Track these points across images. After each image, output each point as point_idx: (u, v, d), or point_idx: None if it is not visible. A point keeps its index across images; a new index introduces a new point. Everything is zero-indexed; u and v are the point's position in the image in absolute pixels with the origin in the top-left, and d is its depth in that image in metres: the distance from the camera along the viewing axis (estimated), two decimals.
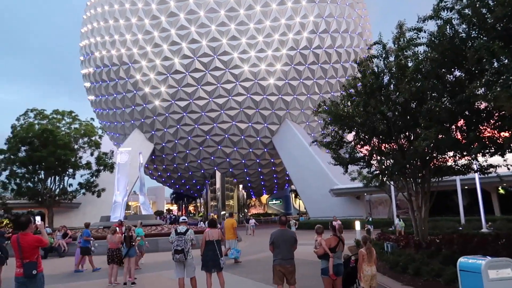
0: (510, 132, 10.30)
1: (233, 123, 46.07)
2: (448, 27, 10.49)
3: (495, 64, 9.43)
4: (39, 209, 41.06)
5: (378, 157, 14.62)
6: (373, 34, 53.53)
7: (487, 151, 11.60)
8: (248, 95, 44.71)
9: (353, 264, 8.36)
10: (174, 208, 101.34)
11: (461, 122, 12.07)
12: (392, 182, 17.85)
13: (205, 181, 55.05)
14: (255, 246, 22.26)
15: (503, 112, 10.09)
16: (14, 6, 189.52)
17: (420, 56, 11.97)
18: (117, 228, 13.34)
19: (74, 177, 39.08)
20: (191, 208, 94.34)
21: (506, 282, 5.68)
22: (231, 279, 11.08)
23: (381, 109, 12.64)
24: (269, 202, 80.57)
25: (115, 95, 47.90)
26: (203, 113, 45.46)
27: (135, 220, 28.64)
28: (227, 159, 49.79)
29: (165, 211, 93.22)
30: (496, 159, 12.52)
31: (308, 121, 48.03)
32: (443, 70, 11.31)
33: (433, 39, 10.89)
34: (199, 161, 50.38)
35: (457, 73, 11.51)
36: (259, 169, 52.34)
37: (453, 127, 12.05)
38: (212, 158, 49.72)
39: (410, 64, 12.40)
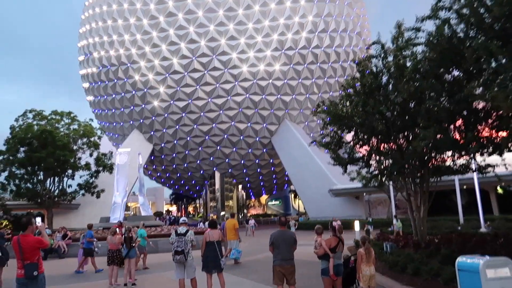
0: (508, 132, 10.34)
1: (232, 123, 46.09)
2: (446, 27, 10.54)
3: (493, 64, 9.48)
4: (39, 210, 41.07)
5: (377, 157, 14.65)
6: (371, 34, 53.62)
7: (485, 150, 11.64)
8: (247, 95, 44.74)
9: (352, 264, 8.39)
10: (174, 209, 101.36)
11: (459, 122, 12.11)
12: (391, 182, 17.89)
13: (205, 181, 55.06)
14: (255, 246, 22.29)
15: (501, 112, 10.13)
16: (13, 6, 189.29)
17: (419, 56, 12.02)
18: (117, 229, 13.38)
19: (73, 178, 39.11)
20: (190, 209, 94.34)
21: (504, 281, 5.71)
22: (231, 280, 11.10)
23: (380, 109, 12.67)
24: (269, 203, 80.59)
25: (113, 96, 47.89)
26: (202, 114, 45.47)
27: (135, 221, 28.70)
28: (227, 160, 49.81)
29: (164, 212, 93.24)
30: (494, 159, 12.56)
31: (307, 121, 48.08)
32: (442, 70, 11.35)
33: (431, 39, 10.94)
34: (198, 161, 50.38)
35: (456, 72, 11.55)
36: (259, 170, 52.37)
37: (452, 127, 12.09)
38: (212, 158, 49.73)
39: (408, 64, 12.45)
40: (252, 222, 35.79)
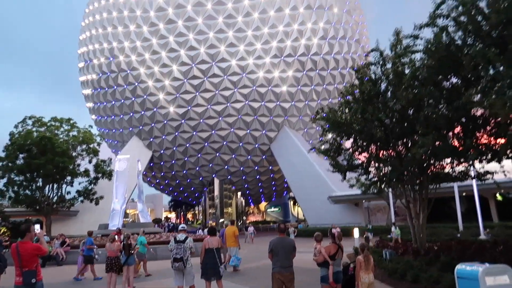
0: (506, 139, 10.37)
1: (232, 130, 46.14)
2: (444, 34, 10.62)
3: (491, 71, 9.54)
4: (37, 217, 40.91)
5: (376, 164, 14.67)
6: (370, 41, 53.92)
7: (484, 158, 11.66)
8: (247, 102, 44.84)
9: (351, 271, 8.37)
10: (172, 215, 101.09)
11: (458, 129, 12.15)
12: (390, 189, 17.89)
13: (204, 188, 54.97)
14: (254, 253, 22.21)
15: (499, 119, 10.18)
16: (13, 13, 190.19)
17: (417, 63, 12.09)
18: (116, 236, 13.34)
19: (72, 184, 39.00)
20: (189, 215, 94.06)
21: None
22: (230, 287, 11.05)
23: (378, 116, 12.72)
24: (268, 210, 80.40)
25: (113, 102, 47.97)
26: (201, 120, 45.54)
27: (133, 228, 28.62)
28: (226, 166, 49.78)
29: (163, 219, 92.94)
30: (493, 166, 12.59)
31: (307, 128, 48.16)
32: (440, 77, 11.42)
33: (429, 46, 11.01)
34: (197, 168, 50.34)
35: (454, 80, 11.61)
36: (258, 176, 52.32)
37: (450, 134, 12.13)
38: (211, 165, 49.71)
39: (407, 71, 12.52)
40: (251, 229, 35.68)
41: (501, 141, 11.08)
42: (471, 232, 23.10)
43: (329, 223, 32.55)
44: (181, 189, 57.79)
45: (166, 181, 55.60)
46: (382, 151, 14.40)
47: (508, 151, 10.87)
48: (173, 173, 52.21)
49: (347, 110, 14.60)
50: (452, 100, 10.83)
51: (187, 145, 47.51)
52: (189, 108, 44.95)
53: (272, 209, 79.76)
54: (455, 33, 10.56)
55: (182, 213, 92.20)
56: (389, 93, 13.61)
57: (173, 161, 49.89)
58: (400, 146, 13.99)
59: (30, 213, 39.22)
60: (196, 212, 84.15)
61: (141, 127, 47.57)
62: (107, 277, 11.62)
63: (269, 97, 45.15)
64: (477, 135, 11.73)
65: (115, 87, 46.85)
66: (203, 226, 49.51)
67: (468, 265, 6.23)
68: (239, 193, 56.86)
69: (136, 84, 45.39)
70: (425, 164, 13.25)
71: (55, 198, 37.93)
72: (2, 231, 38.35)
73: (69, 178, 37.91)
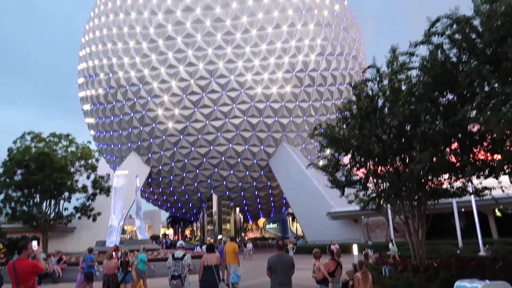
0: (502, 155, 10.45)
1: (230, 145, 46.19)
2: (439, 51, 10.80)
3: (486, 87, 9.68)
4: (34, 233, 40.49)
5: (374, 180, 14.69)
6: (367, 57, 54.59)
7: (481, 173, 11.71)
8: (245, 117, 45.02)
9: None
10: (170, 232, 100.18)
11: (455, 145, 12.24)
12: (389, 205, 17.86)
13: (202, 204, 54.67)
14: (252, 271, 21.99)
15: (495, 135, 10.27)
16: (13, 29, 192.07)
17: (413, 79, 12.25)
18: (114, 253, 13.23)
19: (70, 200, 38.77)
20: (187, 232, 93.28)
21: None
22: None
23: (376, 132, 12.81)
24: (266, 226, 79.82)
25: (112, 118, 48.10)
26: (200, 136, 45.62)
27: (131, 244, 28.35)
28: (224, 182, 49.65)
29: (161, 235, 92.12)
30: (491, 181, 12.62)
31: (305, 143, 48.25)
32: (436, 93, 11.56)
33: (425, 63, 11.19)
34: (195, 184, 50.18)
35: (450, 96, 11.75)
36: (256, 192, 52.13)
37: (447, 149, 12.20)
38: (209, 181, 49.57)
39: (403, 88, 12.68)
40: (250, 245, 35.36)
41: (498, 157, 11.15)
42: (471, 248, 22.93)
43: (328, 239, 32.34)
44: (179, 205, 57.46)
45: (164, 197, 55.33)
46: (380, 167, 14.44)
47: (506, 167, 10.93)
48: (171, 189, 52.01)
49: (344, 126, 14.70)
50: (448, 116, 10.95)
51: (186, 160, 47.46)
52: (188, 123, 45.09)
53: (271, 225, 79.18)
54: (450, 50, 10.75)
55: (180, 229, 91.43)
56: (386, 109, 13.73)
57: (172, 177, 49.75)
58: (398, 162, 14.05)
59: (27, 229, 38.85)
60: (194, 228, 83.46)
61: (139, 143, 47.59)
62: None
63: (267, 112, 45.36)
64: (474, 151, 11.80)
65: (114, 102, 47.05)
66: (201, 242, 49.06)
67: (468, 282, 6.21)
68: (237, 209, 56.53)
69: (135, 100, 45.61)
70: (423, 180, 13.28)
71: (53, 214, 37.66)
72: None
73: (66, 194, 37.72)
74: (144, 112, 45.62)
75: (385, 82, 13.76)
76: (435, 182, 13.83)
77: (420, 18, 11.74)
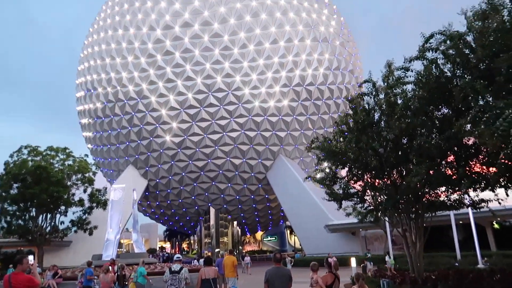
0: (497, 168, 10.56)
1: (228, 159, 46.23)
2: (433, 66, 11.00)
3: (481, 101, 9.85)
4: (29, 247, 40.10)
5: (372, 193, 14.76)
6: (364, 71, 55.11)
7: (478, 186, 11.80)
8: (242, 131, 45.18)
9: None
10: (167, 245, 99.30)
11: (451, 158, 12.36)
12: (387, 218, 17.89)
13: (199, 217, 54.41)
14: (250, 284, 21.83)
15: (489, 148, 10.39)
16: (9, 42, 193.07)
17: (409, 94, 12.44)
18: (110, 267, 13.16)
19: (66, 214, 38.52)
20: (184, 245, 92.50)
21: None
22: None
23: (372, 145, 12.94)
24: (264, 239, 79.35)
25: (109, 132, 48.15)
26: (197, 149, 45.67)
27: (128, 258, 28.10)
28: (222, 195, 49.52)
29: (158, 248, 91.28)
30: (488, 194, 12.71)
31: (302, 156, 48.34)
32: (431, 107, 11.73)
33: (420, 78, 11.39)
34: (193, 197, 50.03)
35: (445, 110, 11.93)
36: (254, 205, 51.98)
37: (444, 162, 12.31)
38: (206, 194, 49.44)
39: (399, 102, 12.86)
40: (247, 259, 35.14)
41: (494, 169, 11.26)
42: (469, 260, 22.90)
43: (326, 252, 32.15)
44: (176, 218, 57.15)
45: (162, 210, 55.06)
46: (377, 180, 14.52)
47: (502, 179, 11.04)
48: (168, 202, 51.80)
49: (341, 139, 14.83)
50: (443, 129, 11.09)
51: (183, 174, 47.41)
52: (185, 137, 45.19)
53: (269, 238, 78.72)
54: (444, 65, 10.96)
55: (177, 242, 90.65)
56: (382, 122, 13.89)
57: (169, 190, 49.61)
58: (395, 175, 14.14)
59: (22, 243, 38.48)
60: (192, 241, 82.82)
61: (137, 156, 47.58)
62: None
63: (264, 126, 45.56)
64: (470, 163, 11.92)
65: (112, 116, 47.17)
66: (198, 256, 48.67)
67: None
68: (235, 222, 56.26)
69: (133, 113, 45.75)
70: (420, 193, 13.36)
71: (48, 228, 37.37)
72: None
73: (63, 207, 37.50)
74: (141, 125, 45.73)
75: (381, 96, 13.96)
76: (432, 195, 13.91)
77: (415, 34, 11.98)
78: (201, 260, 28.33)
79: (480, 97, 9.58)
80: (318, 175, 15.76)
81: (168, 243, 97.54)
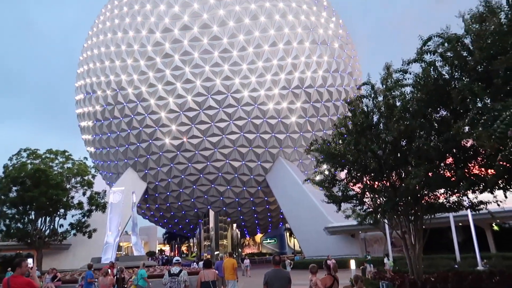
0: (494, 170, 10.59)
1: (227, 161, 46.23)
2: (432, 69, 11.04)
3: (479, 104, 9.88)
4: (28, 251, 40.00)
5: (371, 195, 14.77)
6: (362, 73, 55.22)
7: (476, 188, 11.82)
8: (242, 133, 45.20)
9: None
10: (167, 248, 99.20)
11: (450, 160, 12.38)
12: (386, 220, 17.91)
13: (199, 220, 54.36)
14: (250, 287, 21.80)
15: (489, 150, 10.41)
16: (9, 45, 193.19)
17: (407, 96, 12.47)
18: (109, 270, 13.15)
19: (65, 217, 38.44)
20: (184, 248, 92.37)
21: None
22: None
23: (371, 147, 12.96)
24: (264, 241, 79.25)
25: (109, 134, 48.15)
26: (196, 152, 45.67)
27: (127, 261, 28.10)
28: (221, 198, 49.49)
29: (157, 251, 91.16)
30: (486, 196, 12.73)
31: (301, 159, 48.35)
32: (430, 109, 11.76)
33: (418, 80, 11.42)
34: (192, 200, 49.99)
35: (443, 112, 11.96)
36: (253, 208, 51.95)
37: (442, 164, 12.33)
38: (206, 196, 49.42)
39: (398, 104, 12.89)
40: (247, 261, 35.11)
41: (492, 171, 11.28)
42: (469, 262, 22.90)
43: (326, 254, 32.09)
44: (175, 221, 57.08)
45: (161, 213, 54.99)
46: (376, 182, 14.54)
47: (500, 181, 11.05)
48: (167, 204, 51.75)
49: (340, 142, 14.85)
50: (442, 131, 11.11)
51: (182, 176, 47.39)
52: (185, 139, 45.20)
53: (268, 240, 78.64)
54: (442, 68, 10.99)
55: (176, 245, 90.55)
56: (381, 125, 13.92)
57: (168, 193, 49.57)
58: (394, 177, 14.16)
59: (21, 247, 38.39)
60: (191, 244, 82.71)
61: (136, 159, 47.56)
62: None
63: (264, 128, 45.59)
64: (469, 166, 11.94)
65: (111, 119, 47.18)
66: (198, 259, 48.60)
67: None
68: (234, 225, 56.22)
69: (132, 116, 45.77)
70: (419, 195, 13.37)
71: (48, 231, 37.29)
72: None
73: (62, 210, 37.42)
74: (141, 128, 45.73)
75: (380, 98, 13.99)
76: (431, 197, 13.93)
77: (413, 36, 12.02)
78: (201, 263, 28.30)
79: (478, 99, 9.61)
80: (318, 177, 15.78)
81: (168, 245, 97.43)
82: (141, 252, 33.26)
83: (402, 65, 11.80)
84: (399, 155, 13.28)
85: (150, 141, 45.81)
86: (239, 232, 59.44)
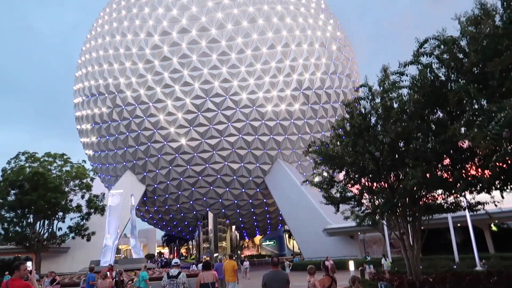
0: (490, 171, 10.66)
1: (226, 163, 46.27)
2: (428, 71, 11.13)
3: (475, 105, 9.96)
4: (27, 254, 39.97)
5: (369, 196, 14.84)
6: (360, 75, 55.36)
7: (473, 189, 11.89)
8: (240, 135, 45.26)
9: None
10: (166, 251, 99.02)
11: (447, 161, 12.45)
12: (384, 221, 17.97)
13: (197, 222, 54.32)
14: None
15: (487, 151, 10.48)
16: (7, 49, 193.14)
17: (404, 98, 12.55)
18: (108, 273, 13.17)
19: (64, 220, 38.44)
20: (183, 250, 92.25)
21: None
22: None
23: (369, 149, 13.02)
24: (263, 243, 79.21)
25: (107, 137, 48.15)
26: (195, 154, 45.69)
27: (126, 264, 28.09)
28: (220, 200, 49.49)
29: (156, 254, 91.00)
30: (484, 196, 12.80)
31: (300, 160, 48.42)
32: (427, 111, 11.84)
33: (415, 82, 11.51)
34: (191, 202, 49.98)
35: (440, 114, 12.04)
36: (252, 210, 51.96)
37: (439, 165, 12.40)
38: (205, 199, 49.41)
39: (395, 106, 12.97)
40: (246, 263, 35.12)
41: (489, 172, 11.35)
42: (467, 263, 22.96)
43: (325, 256, 32.12)
44: (174, 223, 57.03)
45: (160, 216, 54.95)
46: (374, 183, 14.60)
47: (497, 182, 11.12)
48: (166, 207, 51.71)
49: (338, 143, 14.91)
50: (439, 133, 11.19)
51: (181, 179, 47.39)
52: (183, 142, 45.23)
53: (267, 242, 78.60)
54: (439, 70, 11.08)
55: (175, 248, 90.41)
56: (378, 126, 13.99)
57: (167, 195, 49.55)
58: (391, 178, 14.22)
59: (19, 250, 38.35)
60: (190, 246, 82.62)
61: (135, 162, 47.55)
62: None
63: (262, 130, 45.66)
64: (467, 167, 12.01)
65: (110, 122, 47.19)
66: (197, 261, 48.55)
67: None
68: (233, 227, 56.20)
69: (131, 119, 45.80)
70: (416, 196, 13.44)
71: (46, 234, 37.25)
72: None
73: (61, 214, 37.42)
74: (139, 131, 45.75)
75: (377, 100, 14.06)
76: (429, 198, 14.00)
77: (411, 38, 12.10)
78: (200, 265, 28.30)
79: (474, 101, 9.70)
80: (316, 179, 15.84)
81: (167, 248, 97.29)
82: (140, 255, 33.27)
83: (399, 67, 11.89)
84: (396, 157, 13.34)
85: (149, 143, 45.82)
86: (238, 234, 59.42)
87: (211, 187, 48.09)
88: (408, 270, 14.30)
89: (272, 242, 77.56)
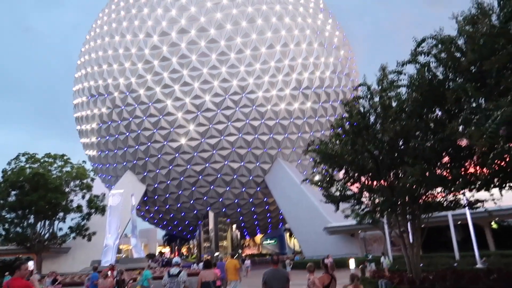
0: (487, 169, 10.72)
1: (226, 162, 46.32)
2: (426, 70, 11.18)
3: (473, 103, 10.02)
4: (27, 255, 40.04)
5: (368, 194, 14.89)
6: (359, 74, 55.38)
7: (472, 186, 11.94)
8: (240, 135, 45.31)
9: None
10: (167, 250, 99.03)
11: (446, 159, 12.50)
12: (384, 219, 18.03)
13: (198, 222, 54.37)
14: (250, 287, 21.89)
15: (484, 149, 10.54)
16: (7, 51, 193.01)
17: (403, 96, 12.61)
18: (109, 272, 13.24)
19: (65, 220, 38.51)
20: (184, 250, 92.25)
21: None
22: None
23: (368, 147, 13.08)
24: (264, 242, 79.19)
25: (107, 138, 48.20)
26: (195, 154, 45.75)
27: (127, 263, 28.17)
28: (220, 199, 49.56)
29: (157, 253, 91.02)
30: (483, 194, 12.85)
31: (300, 159, 48.47)
32: (425, 109, 11.90)
33: (413, 81, 11.56)
34: (191, 201, 50.04)
35: (438, 112, 12.09)
36: (253, 209, 52.02)
37: (438, 164, 12.45)
38: (205, 198, 49.47)
39: (394, 104, 13.02)
40: (248, 262, 35.21)
41: (487, 170, 11.40)
42: (468, 261, 22.98)
43: (326, 254, 32.18)
44: (175, 223, 57.10)
45: (160, 215, 55.01)
46: (373, 181, 14.65)
47: (496, 180, 11.18)
48: (167, 207, 51.78)
49: (338, 142, 14.97)
50: (437, 131, 11.24)
51: (181, 178, 47.45)
52: (183, 142, 45.28)
53: (268, 241, 78.58)
54: (436, 68, 11.13)
55: (176, 247, 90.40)
56: (377, 125, 14.04)
57: (167, 195, 49.61)
58: (391, 176, 14.27)
59: (20, 251, 38.42)
60: (191, 246, 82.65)
61: (135, 162, 47.60)
62: None
63: (262, 130, 45.71)
64: (465, 165, 12.06)
65: (110, 122, 47.24)
66: (198, 260, 48.61)
67: None
68: (234, 226, 56.27)
69: (131, 119, 45.84)
70: (416, 194, 13.49)
71: (47, 235, 37.32)
72: None
73: (61, 214, 37.49)
74: (139, 131, 45.79)
75: (376, 99, 14.11)
76: (429, 196, 14.04)
77: (410, 37, 12.14)
78: (201, 264, 28.38)
79: (472, 99, 9.76)
80: (316, 177, 15.91)
81: (168, 247, 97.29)
82: (141, 254, 33.37)
83: (397, 66, 11.94)
84: (395, 155, 13.40)
85: (149, 143, 45.87)
86: (238, 233, 59.50)
87: (212, 187, 48.15)
88: (408, 268, 14.36)
89: (273, 241, 77.56)
